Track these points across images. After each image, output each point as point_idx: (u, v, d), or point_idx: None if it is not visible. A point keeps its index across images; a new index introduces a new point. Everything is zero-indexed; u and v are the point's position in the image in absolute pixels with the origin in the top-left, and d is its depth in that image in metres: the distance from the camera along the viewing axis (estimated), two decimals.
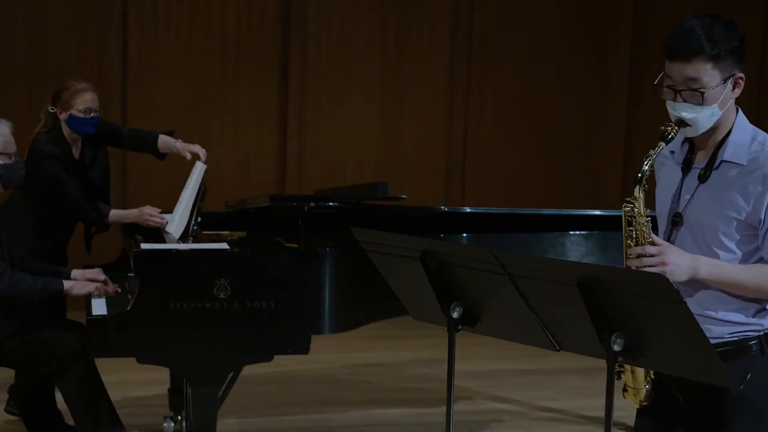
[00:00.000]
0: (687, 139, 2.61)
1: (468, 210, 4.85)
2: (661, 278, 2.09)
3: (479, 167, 8.23)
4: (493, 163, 8.25)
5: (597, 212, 4.70)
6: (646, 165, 2.47)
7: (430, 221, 4.74)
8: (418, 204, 7.05)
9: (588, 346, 2.34)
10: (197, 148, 4.59)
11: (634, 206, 2.49)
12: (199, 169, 4.42)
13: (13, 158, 4.03)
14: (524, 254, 2.46)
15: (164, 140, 4.72)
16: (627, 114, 8.33)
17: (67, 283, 3.93)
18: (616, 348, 2.25)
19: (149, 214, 4.48)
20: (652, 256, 2.43)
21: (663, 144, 2.48)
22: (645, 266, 2.41)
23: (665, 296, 2.10)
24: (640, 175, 2.47)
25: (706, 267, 2.45)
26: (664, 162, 2.68)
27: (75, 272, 4.08)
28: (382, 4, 7.85)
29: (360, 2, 7.81)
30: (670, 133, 2.48)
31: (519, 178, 8.31)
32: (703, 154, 2.57)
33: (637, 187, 2.49)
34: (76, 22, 7.26)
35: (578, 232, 4.45)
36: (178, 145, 4.65)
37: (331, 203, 4.29)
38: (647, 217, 2.50)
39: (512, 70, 8.20)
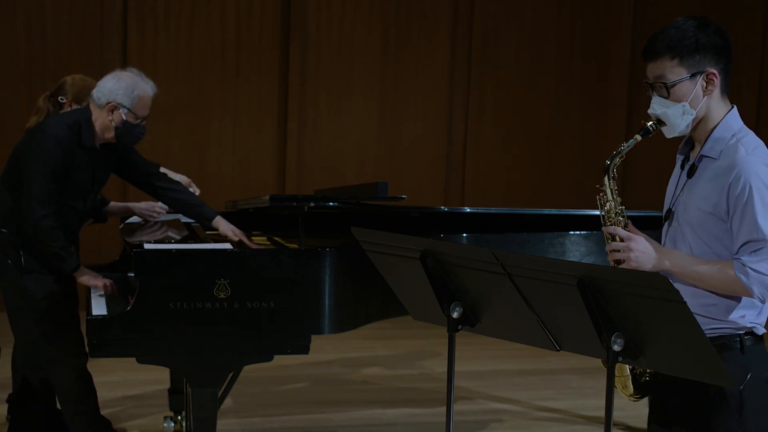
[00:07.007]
0: (689, 138, 2.64)
1: (468, 210, 4.84)
2: (661, 278, 2.09)
3: (479, 167, 8.23)
4: (493, 163, 8.25)
5: (597, 212, 4.68)
6: (617, 158, 2.59)
7: (430, 221, 4.73)
8: (418, 204, 7.07)
9: (588, 346, 2.34)
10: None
11: (604, 194, 2.64)
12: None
13: (139, 121, 3.96)
14: (524, 254, 2.48)
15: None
16: (627, 114, 8.33)
17: (82, 274, 3.92)
18: (616, 348, 2.26)
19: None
20: (621, 242, 2.57)
21: (638, 137, 2.56)
22: (612, 251, 2.55)
23: (665, 296, 2.10)
24: (608, 162, 2.61)
25: (671, 259, 2.51)
26: (676, 162, 2.74)
27: (84, 271, 4.01)
28: (382, 4, 7.85)
29: (360, 2, 7.81)
30: (648, 128, 2.56)
31: (519, 178, 8.31)
32: (697, 151, 2.62)
33: (606, 176, 2.62)
34: (76, 22, 7.26)
35: (578, 232, 4.45)
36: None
37: (331, 203, 4.28)
38: (619, 208, 2.64)
39: (512, 71, 8.20)
